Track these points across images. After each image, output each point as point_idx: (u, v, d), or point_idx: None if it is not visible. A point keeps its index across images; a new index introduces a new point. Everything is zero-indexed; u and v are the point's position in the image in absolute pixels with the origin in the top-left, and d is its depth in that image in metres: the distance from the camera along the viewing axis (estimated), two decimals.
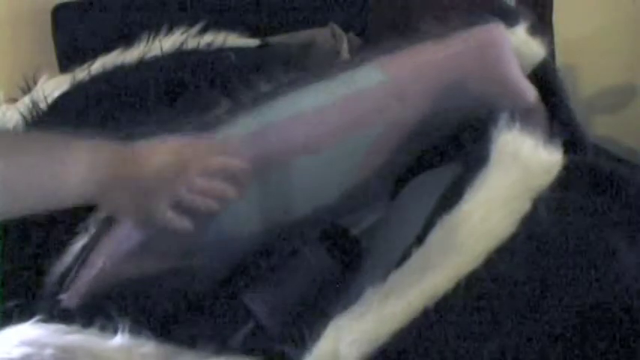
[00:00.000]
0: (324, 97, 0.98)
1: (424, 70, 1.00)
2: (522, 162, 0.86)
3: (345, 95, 0.98)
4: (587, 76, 1.71)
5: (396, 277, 0.83)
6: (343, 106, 0.99)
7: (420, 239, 0.85)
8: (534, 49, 1.09)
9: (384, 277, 0.83)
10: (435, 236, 0.84)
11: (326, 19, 1.53)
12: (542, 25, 1.56)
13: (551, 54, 1.58)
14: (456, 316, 0.79)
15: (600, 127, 1.64)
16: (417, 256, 0.83)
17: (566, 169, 0.86)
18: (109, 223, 0.93)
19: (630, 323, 0.79)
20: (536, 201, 0.84)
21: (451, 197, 0.87)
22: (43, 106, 1.17)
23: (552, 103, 1.09)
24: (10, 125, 1.16)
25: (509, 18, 1.05)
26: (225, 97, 1.01)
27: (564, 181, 0.85)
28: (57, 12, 1.53)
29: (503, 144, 0.88)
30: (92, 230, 0.96)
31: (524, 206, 0.84)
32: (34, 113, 1.17)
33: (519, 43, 1.08)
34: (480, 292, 0.79)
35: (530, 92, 1.08)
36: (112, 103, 1.17)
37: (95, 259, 0.92)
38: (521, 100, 1.06)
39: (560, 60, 1.58)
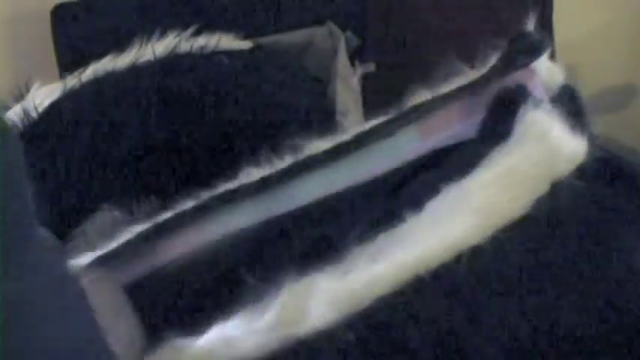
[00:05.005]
0: (365, 170, 0.90)
1: (455, 129, 0.93)
2: (549, 144, 0.82)
3: (390, 166, 0.91)
4: (587, 76, 1.69)
5: (386, 238, 0.78)
6: (388, 176, 0.91)
7: (415, 203, 0.81)
8: (555, 75, 1.04)
9: (372, 236, 0.78)
10: (437, 203, 0.80)
11: (323, 18, 1.52)
12: (542, 25, 1.55)
13: (551, 54, 1.57)
14: (452, 288, 0.76)
15: (600, 127, 1.62)
16: (413, 221, 0.79)
17: (590, 160, 0.84)
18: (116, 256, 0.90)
19: None
20: (556, 187, 0.80)
21: (462, 167, 0.83)
22: (34, 114, 1.17)
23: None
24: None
25: (536, 51, 0.97)
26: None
27: (586, 172, 0.83)
28: (57, 12, 1.53)
29: (531, 122, 0.84)
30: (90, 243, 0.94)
31: (542, 189, 0.80)
32: (26, 122, 1.16)
33: (543, 71, 1.02)
34: (482, 268, 0.76)
35: None
36: (104, 111, 1.16)
37: None
38: None
39: (560, 60, 1.57)
